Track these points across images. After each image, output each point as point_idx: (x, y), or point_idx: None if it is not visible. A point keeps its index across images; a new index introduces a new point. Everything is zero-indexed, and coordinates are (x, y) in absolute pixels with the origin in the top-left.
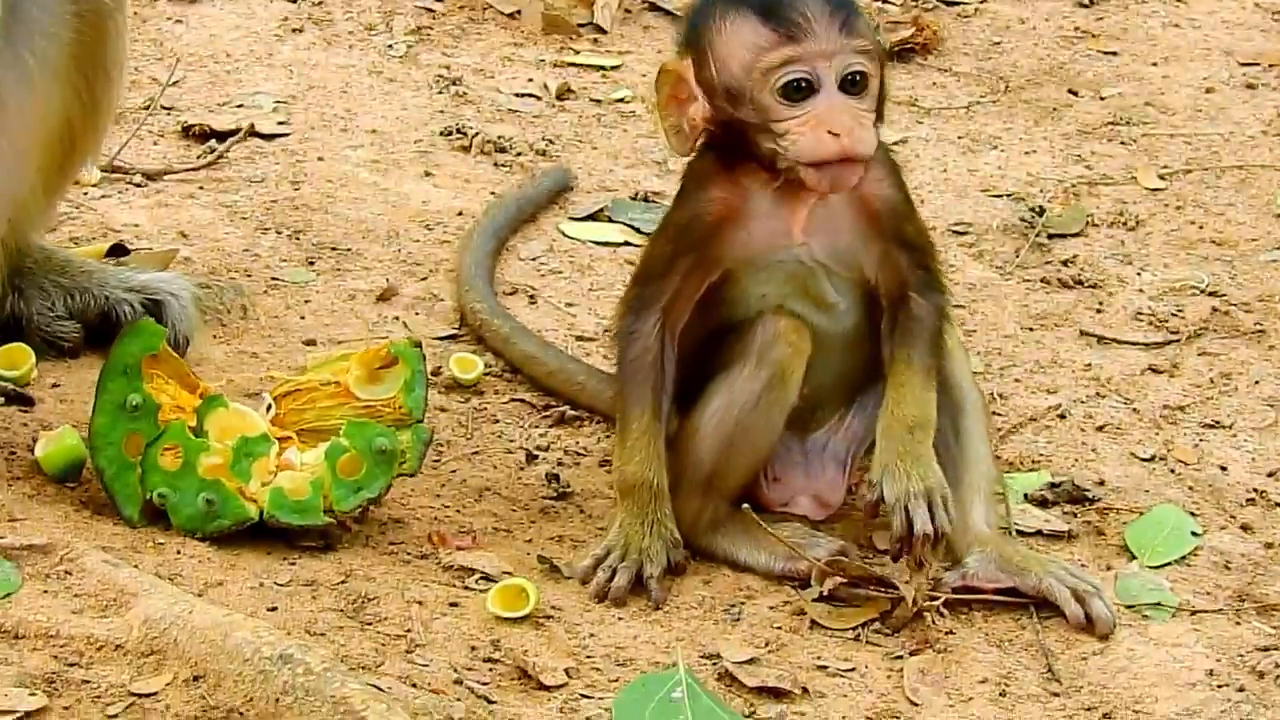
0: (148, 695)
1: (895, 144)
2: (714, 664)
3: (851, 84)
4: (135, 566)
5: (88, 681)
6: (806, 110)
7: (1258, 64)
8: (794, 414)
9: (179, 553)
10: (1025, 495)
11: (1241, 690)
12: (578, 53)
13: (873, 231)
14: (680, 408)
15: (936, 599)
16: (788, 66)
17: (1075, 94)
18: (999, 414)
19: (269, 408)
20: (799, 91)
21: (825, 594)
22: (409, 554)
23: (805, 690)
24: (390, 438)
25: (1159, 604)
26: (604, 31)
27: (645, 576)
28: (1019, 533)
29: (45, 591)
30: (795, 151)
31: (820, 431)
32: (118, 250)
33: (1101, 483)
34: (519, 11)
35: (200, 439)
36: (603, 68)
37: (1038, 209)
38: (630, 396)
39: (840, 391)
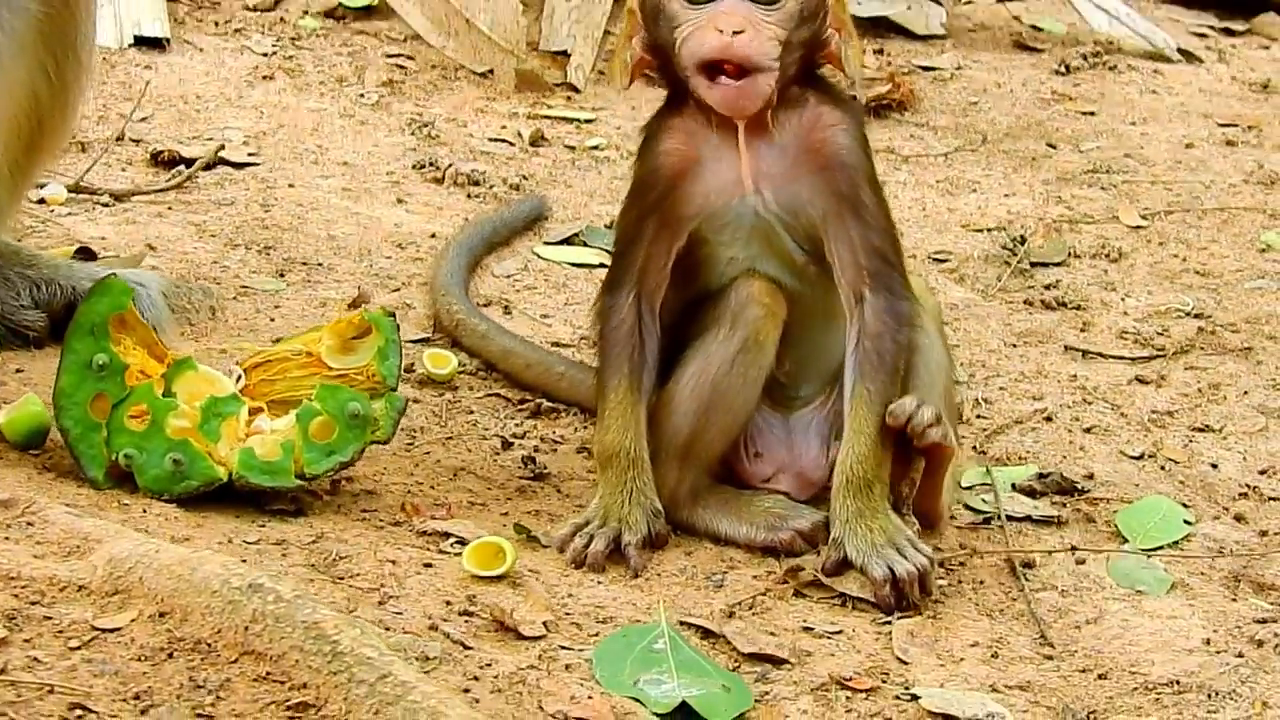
0: (112, 630)
1: None
2: (697, 626)
3: None
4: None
5: (49, 618)
6: (705, 11)
7: (1235, 124)
8: (778, 391)
9: (145, 512)
10: (1013, 485)
11: (1240, 656)
12: (551, 107)
13: (823, 184)
14: (662, 380)
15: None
16: None
17: (1054, 146)
18: (984, 417)
19: (238, 378)
20: None
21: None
22: (382, 520)
23: (792, 651)
24: (363, 402)
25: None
26: (577, 90)
27: (624, 544)
28: (1008, 518)
29: (6, 539)
30: (685, 52)
31: (805, 410)
32: (85, 254)
33: (1090, 476)
34: (491, 71)
35: (168, 399)
36: (576, 120)
37: (1019, 239)
38: (608, 367)
39: (822, 367)
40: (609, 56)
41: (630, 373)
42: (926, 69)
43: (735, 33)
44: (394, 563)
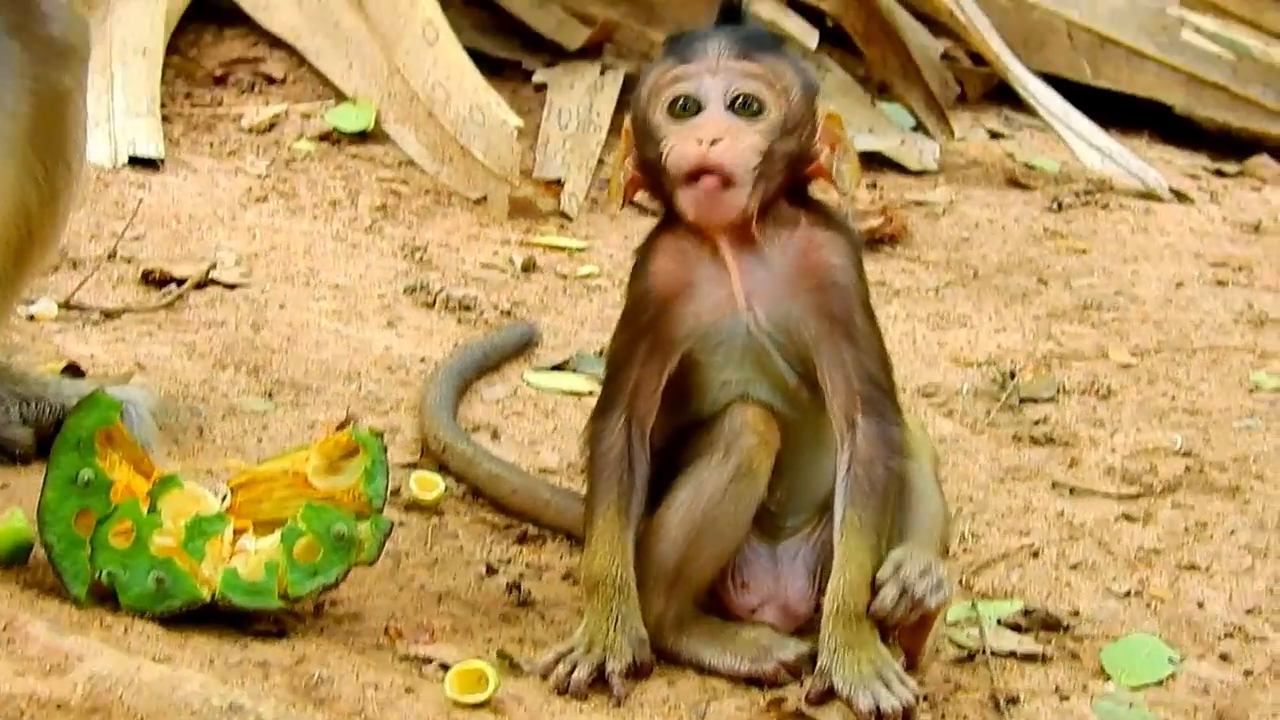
0: None
1: None
2: None
3: (742, 105)
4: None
5: None
6: (688, 125)
7: (1226, 265)
8: (766, 520)
9: (126, 631)
10: (999, 620)
11: None
12: (544, 234)
13: (816, 306)
14: (651, 506)
15: None
16: (675, 84)
17: (1045, 283)
18: (970, 552)
19: (224, 498)
20: (685, 110)
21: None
22: (364, 644)
23: None
24: (349, 523)
25: None
26: (570, 218)
27: (608, 672)
28: (993, 654)
29: None
30: (670, 167)
31: (792, 540)
32: (73, 370)
33: (1076, 613)
34: (485, 198)
35: (153, 516)
36: (568, 248)
37: (1009, 374)
38: (597, 492)
39: (812, 496)
40: (603, 185)
41: (619, 498)
42: (919, 204)
43: (714, 141)
44: (376, 687)
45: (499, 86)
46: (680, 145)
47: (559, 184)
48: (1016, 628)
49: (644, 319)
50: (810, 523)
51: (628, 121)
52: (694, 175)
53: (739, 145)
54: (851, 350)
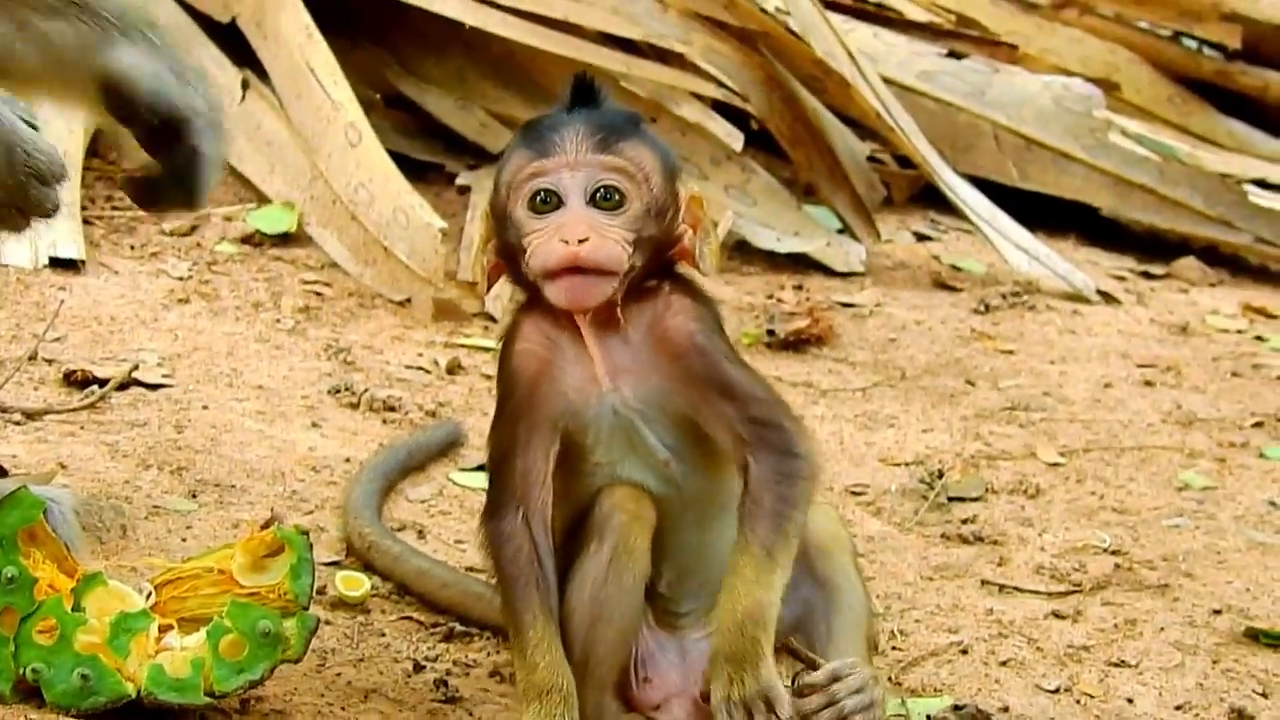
0: None
1: None
2: None
3: (604, 198)
4: None
5: None
6: (550, 221)
7: (1154, 365)
8: (661, 608)
9: None
10: (928, 717)
11: None
12: (468, 335)
13: (681, 373)
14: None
15: None
16: (535, 179)
17: (972, 383)
18: (899, 649)
19: (148, 595)
20: (545, 204)
21: None
22: None
23: None
24: (274, 620)
25: None
26: (495, 320)
27: None
28: None
29: None
30: (534, 263)
31: (696, 631)
32: None
33: (1006, 709)
34: (409, 299)
35: (78, 614)
36: (494, 350)
37: (936, 474)
38: (519, 601)
39: (706, 579)
40: None
41: (541, 602)
42: (846, 305)
43: (580, 240)
44: None
45: (422, 189)
46: (545, 244)
47: None
48: None
49: (515, 402)
50: (710, 609)
51: (485, 207)
52: (561, 272)
53: (606, 243)
54: (729, 405)
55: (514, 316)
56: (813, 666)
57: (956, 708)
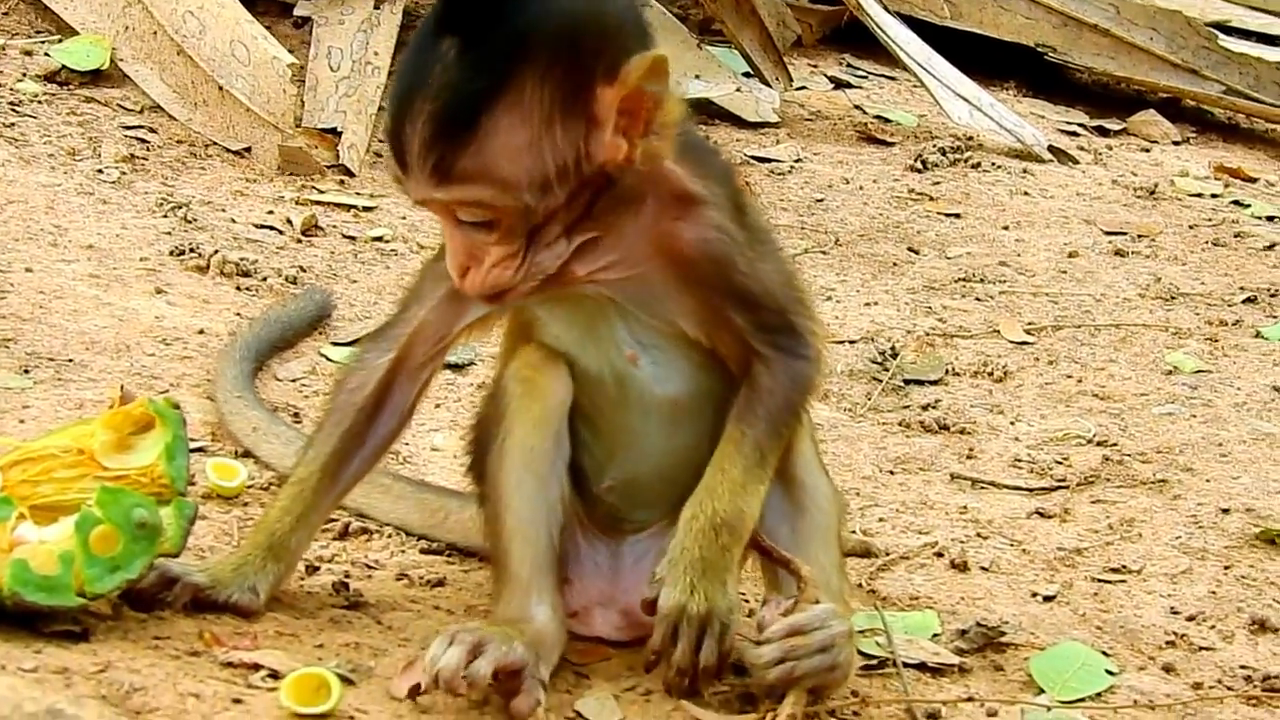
0: None
1: None
2: None
3: (469, 223)
4: None
5: None
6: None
7: (1124, 233)
8: (602, 512)
9: None
10: (934, 635)
11: None
12: (323, 192)
13: (685, 280)
14: None
15: None
16: (406, 194)
17: (916, 251)
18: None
19: None
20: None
21: None
22: (177, 649)
23: None
24: (151, 508)
25: None
26: (351, 174)
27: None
28: (905, 664)
29: None
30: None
31: (639, 538)
32: None
33: (997, 624)
34: (249, 149)
35: None
36: (354, 207)
37: (889, 352)
38: (314, 437)
39: (664, 490)
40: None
41: (334, 455)
42: (761, 159)
43: (462, 275)
44: (197, 696)
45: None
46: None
47: (335, 134)
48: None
49: None
50: (662, 520)
51: None
52: None
53: (488, 275)
54: (742, 314)
55: None
56: (787, 568)
57: (963, 632)
